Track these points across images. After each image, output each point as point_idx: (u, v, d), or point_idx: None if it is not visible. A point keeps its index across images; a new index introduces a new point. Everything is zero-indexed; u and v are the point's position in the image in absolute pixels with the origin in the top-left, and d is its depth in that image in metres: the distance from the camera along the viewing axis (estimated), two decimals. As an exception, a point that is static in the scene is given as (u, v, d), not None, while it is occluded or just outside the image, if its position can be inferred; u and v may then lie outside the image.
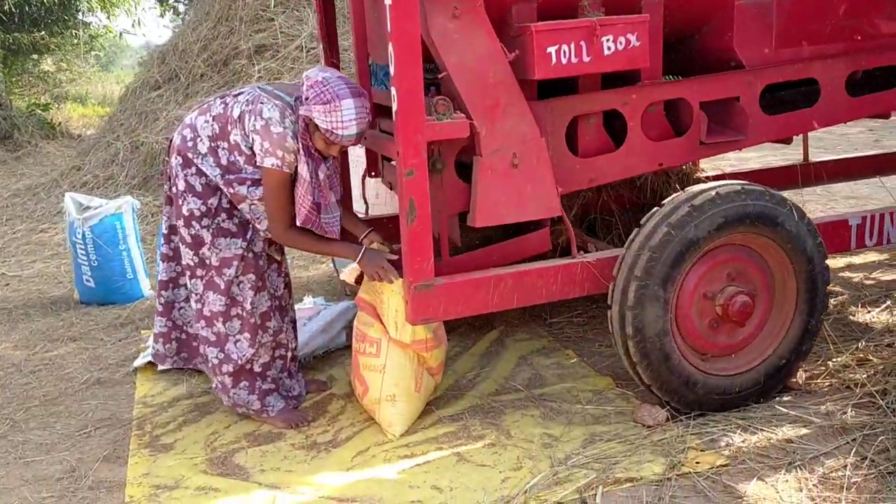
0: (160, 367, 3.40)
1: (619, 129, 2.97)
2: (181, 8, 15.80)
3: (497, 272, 2.75)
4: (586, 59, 2.71)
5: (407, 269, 2.64)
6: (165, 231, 3.05)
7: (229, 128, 2.77)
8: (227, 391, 2.95)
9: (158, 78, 7.98)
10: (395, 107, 2.53)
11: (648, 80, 2.96)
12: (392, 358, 2.81)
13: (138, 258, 4.45)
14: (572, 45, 2.67)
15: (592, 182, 2.98)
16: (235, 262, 2.83)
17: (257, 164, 2.72)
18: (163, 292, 3.11)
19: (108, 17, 15.27)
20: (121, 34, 17.01)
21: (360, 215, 3.88)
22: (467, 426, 2.84)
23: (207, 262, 2.86)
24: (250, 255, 2.86)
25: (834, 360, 3.10)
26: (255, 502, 2.46)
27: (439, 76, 2.64)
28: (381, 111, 3.18)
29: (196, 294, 2.89)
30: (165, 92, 7.79)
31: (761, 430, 2.68)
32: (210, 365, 2.95)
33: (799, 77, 3.15)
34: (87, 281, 4.37)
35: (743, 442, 2.61)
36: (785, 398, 2.89)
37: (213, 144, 2.80)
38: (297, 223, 2.78)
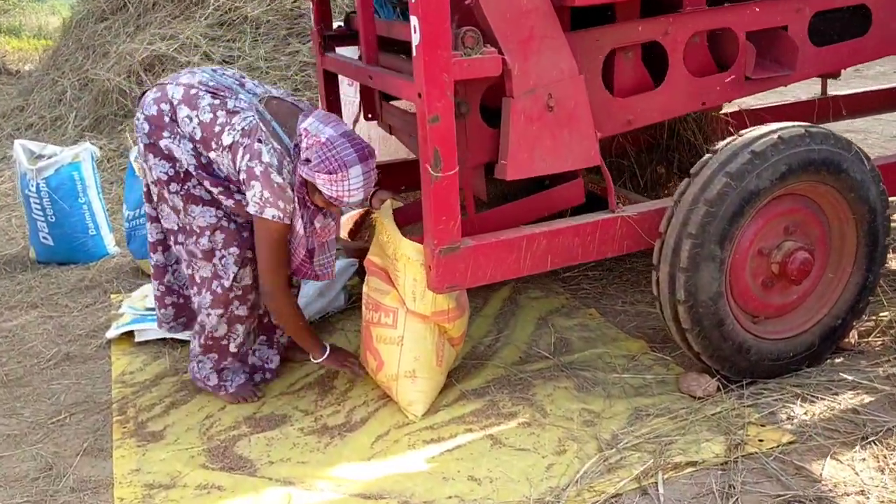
0: (137, 340, 3.04)
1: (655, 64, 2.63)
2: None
3: (529, 231, 2.42)
4: (632, -19, 2.35)
5: (431, 231, 2.29)
6: (145, 189, 2.65)
7: (213, 145, 2.43)
8: (195, 357, 2.66)
9: (105, 8, 7.31)
10: (416, 40, 2.14)
11: (691, 7, 2.61)
12: (411, 329, 2.49)
13: (100, 212, 4.01)
14: (617, -34, 2.31)
15: (630, 125, 2.64)
16: (208, 233, 2.48)
17: (251, 211, 2.39)
18: (153, 254, 2.73)
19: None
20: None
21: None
22: (495, 402, 2.54)
23: (188, 227, 2.53)
24: (232, 225, 2.50)
25: (881, 314, 2.87)
26: (268, 502, 2.15)
27: (466, 2, 2.24)
28: (384, 45, 2.77)
29: (185, 260, 2.56)
30: (114, 23, 7.13)
31: (821, 398, 2.44)
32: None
33: (849, 3, 2.82)
34: (45, 238, 3.93)
35: (805, 414, 2.37)
36: (837, 360, 2.66)
37: (193, 145, 2.46)
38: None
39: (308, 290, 3.13)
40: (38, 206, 3.87)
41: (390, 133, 3.22)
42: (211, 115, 2.43)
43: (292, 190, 2.38)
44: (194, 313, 2.74)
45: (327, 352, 2.64)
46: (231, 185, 2.48)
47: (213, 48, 6.12)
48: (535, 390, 2.60)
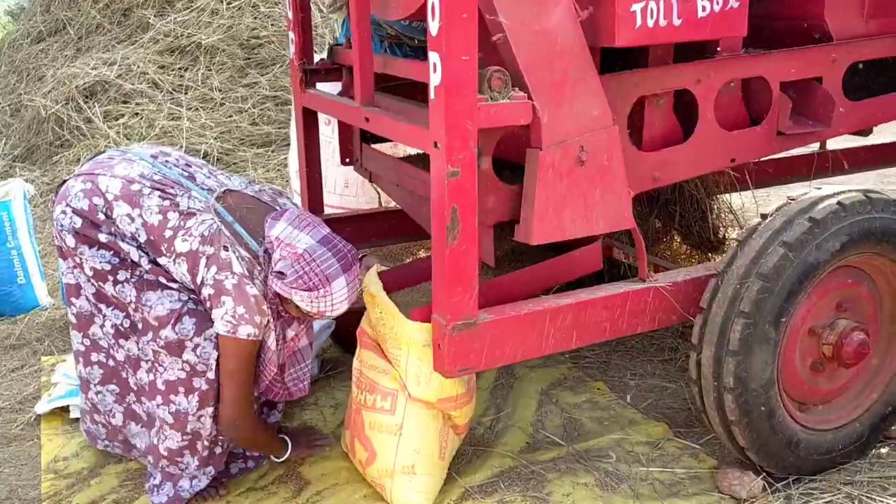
0: (73, 416, 2.58)
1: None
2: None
3: (553, 303, 2.08)
4: (676, 21, 2.06)
5: (443, 304, 1.93)
6: (65, 289, 2.23)
7: (164, 251, 2.06)
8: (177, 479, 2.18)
9: (42, 29, 6.79)
10: (435, 80, 1.80)
11: (726, 53, 2.33)
12: (412, 417, 2.11)
13: (32, 257, 3.51)
14: (661, 4, 2.01)
15: (657, 182, 2.33)
16: (171, 323, 2.05)
17: (219, 332, 2.01)
18: (76, 364, 2.30)
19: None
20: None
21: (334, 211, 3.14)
22: (506, 503, 2.17)
23: (140, 324, 2.12)
24: (201, 307, 2.07)
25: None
26: None
27: (493, 39, 1.91)
28: (380, 83, 2.41)
29: (147, 361, 2.13)
30: (51, 46, 6.62)
31: (878, 500, 2.14)
32: (159, 458, 2.17)
33: (889, 54, 2.59)
34: (-36, 287, 3.42)
35: (865, 520, 2.07)
36: (883, 451, 2.37)
37: (138, 245, 2.09)
38: (255, 393, 2.18)
39: (278, 358, 2.72)
40: (-41, 251, 3.37)
41: (370, 180, 2.85)
42: (160, 217, 2.05)
43: (266, 300, 2.02)
44: (129, 443, 2.30)
45: (289, 447, 2.24)
46: (183, 294, 2.09)
47: (163, 76, 5.68)
48: (550, 488, 2.23)
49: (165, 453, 2.14)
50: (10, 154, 5.85)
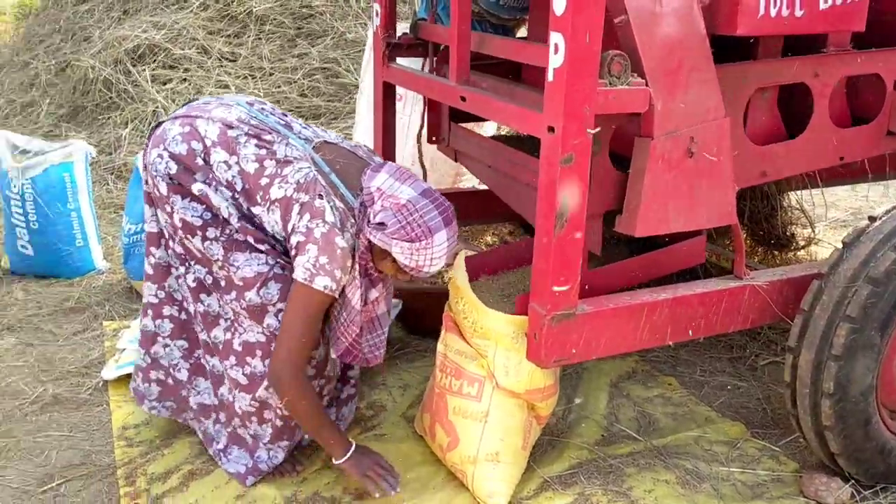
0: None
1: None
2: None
3: (651, 297, 2.03)
4: (798, 13, 1.99)
5: (543, 293, 1.88)
6: (145, 238, 2.19)
7: (259, 199, 2.01)
8: (250, 448, 2.16)
9: (87, -11, 6.74)
10: (556, 62, 1.74)
11: (836, 48, 2.26)
12: (499, 404, 2.07)
13: (90, 220, 3.49)
14: (784, -7, 1.95)
15: (764, 177, 2.29)
16: (257, 286, 2.01)
17: (296, 278, 1.93)
18: (143, 318, 2.25)
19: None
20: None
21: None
22: (587, 496, 2.13)
23: (223, 281, 2.07)
24: (288, 271, 2.02)
25: None
26: None
27: (616, 21, 1.85)
28: (478, 62, 2.34)
29: (226, 320, 2.09)
30: (96, 6, 6.56)
31: (969, 514, 2.09)
32: (232, 415, 2.15)
33: None
34: (23, 247, 3.39)
35: (958, 535, 2.02)
36: (967, 463, 2.32)
37: (233, 194, 2.03)
38: (333, 355, 2.11)
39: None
40: (19, 210, 3.34)
41: (455, 160, 2.80)
42: (257, 166, 2.00)
43: (353, 257, 1.96)
44: (186, 402, 2.26)
45: (351, 450, 2.06)
46: (277, 246, 2.04)
47: (212, 43, 5.62)
48: (630, 482, 2.19)
49: (239, 412, 2.11)
50: (56, 114, 5.82)
